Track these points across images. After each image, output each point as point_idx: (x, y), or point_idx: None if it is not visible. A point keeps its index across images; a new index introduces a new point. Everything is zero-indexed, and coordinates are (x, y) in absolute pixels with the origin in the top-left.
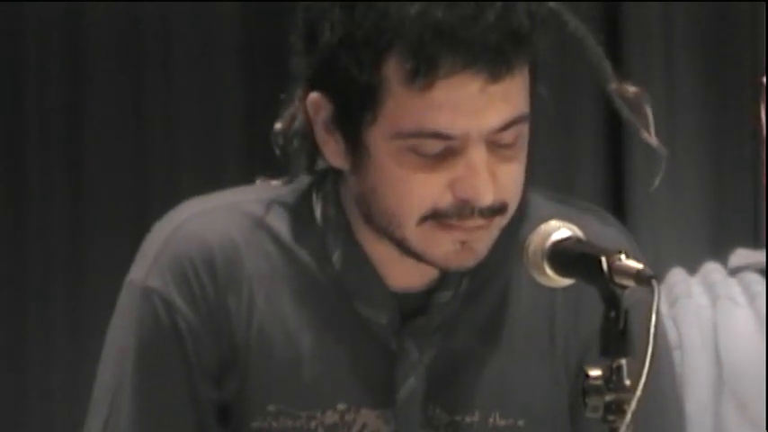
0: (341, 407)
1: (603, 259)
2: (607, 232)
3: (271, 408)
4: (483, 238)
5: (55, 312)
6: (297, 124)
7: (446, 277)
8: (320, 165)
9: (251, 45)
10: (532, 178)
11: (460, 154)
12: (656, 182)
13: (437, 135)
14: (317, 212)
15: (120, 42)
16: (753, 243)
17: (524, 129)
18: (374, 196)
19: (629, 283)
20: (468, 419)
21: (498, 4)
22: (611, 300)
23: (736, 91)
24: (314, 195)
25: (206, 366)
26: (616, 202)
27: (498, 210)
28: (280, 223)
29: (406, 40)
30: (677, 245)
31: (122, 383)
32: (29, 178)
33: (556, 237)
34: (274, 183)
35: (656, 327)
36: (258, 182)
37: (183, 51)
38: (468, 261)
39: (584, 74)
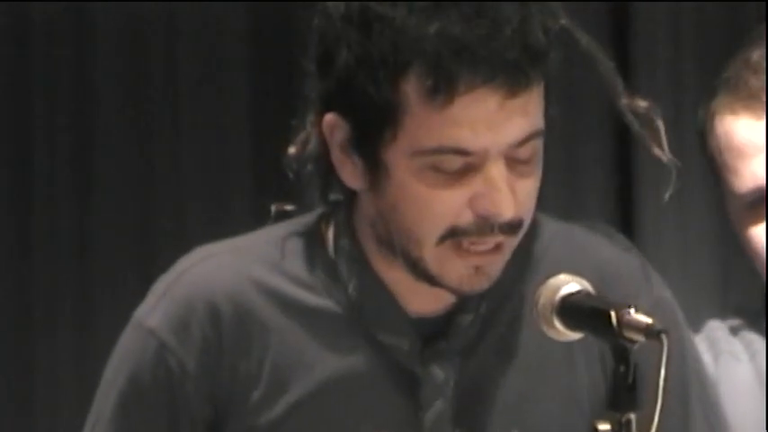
0: None
1: (613, 313)
2: (617, 253)
3: None
4: (496, 262)
5: (61, 339)
6: (310, 148)
7: (465, 301)
8: (332, 196)
9: (259, 62)
10: (540, 199)
11: (480, 170)
12: (667, 195)
13: (457, 151)
14: (330, 244)
15: (126, 44)
16: None
17: (540, 145)
18: (393, 215)
19: (639, 337)
20: None
21: (515, 20)
22: (621, 354)
23: None
24: (324, 227)
25: (195, 410)
26: (624, 227)
27: (516, 226)
28: (291, 259)
29: (425, 57)
30: (685, 273)
31: (102, 415)
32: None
33: (565, 290)
34: (288, 208)
35: (665, 380)
36: (273, 207)
37: (190, 66)
38: (482, 284)
39: (591, 94)
